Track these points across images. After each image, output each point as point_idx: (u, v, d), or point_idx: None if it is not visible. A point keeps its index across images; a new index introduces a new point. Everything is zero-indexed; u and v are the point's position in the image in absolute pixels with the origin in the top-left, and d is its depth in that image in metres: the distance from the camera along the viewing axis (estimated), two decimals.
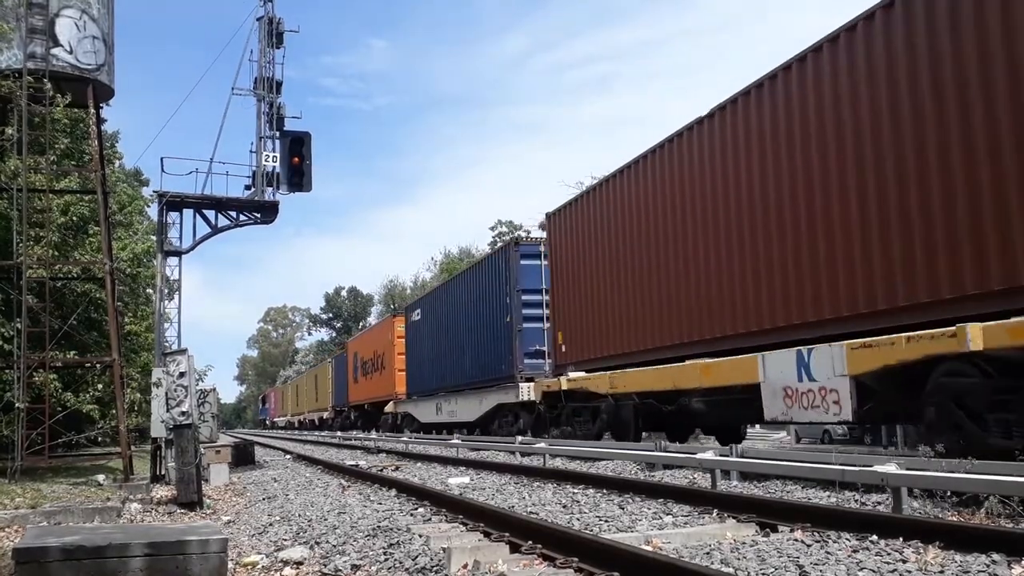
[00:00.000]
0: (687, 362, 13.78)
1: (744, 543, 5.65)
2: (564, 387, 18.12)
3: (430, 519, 7.68)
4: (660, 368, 14.60)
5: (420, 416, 32.77)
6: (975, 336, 8.47)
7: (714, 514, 7.02)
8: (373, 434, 31.94)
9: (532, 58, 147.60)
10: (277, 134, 17.31)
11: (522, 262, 22.58)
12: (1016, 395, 8.28)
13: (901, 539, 5.34)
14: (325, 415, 56.47)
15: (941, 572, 4.57)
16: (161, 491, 12.51)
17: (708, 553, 5.32)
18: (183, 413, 11.09)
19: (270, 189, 17.14)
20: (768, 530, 6.11)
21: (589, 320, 17.92)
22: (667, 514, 7.33)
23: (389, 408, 37.08)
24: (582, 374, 17.76)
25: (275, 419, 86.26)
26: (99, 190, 15.02)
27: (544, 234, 22.19)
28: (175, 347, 15.38)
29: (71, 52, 14.47)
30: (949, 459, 7.89)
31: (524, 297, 22.39)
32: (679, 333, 14.61)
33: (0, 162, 14.83)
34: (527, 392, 21.13)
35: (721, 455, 10.43)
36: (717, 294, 13.64)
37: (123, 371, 15.69)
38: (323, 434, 45.87)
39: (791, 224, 11.84)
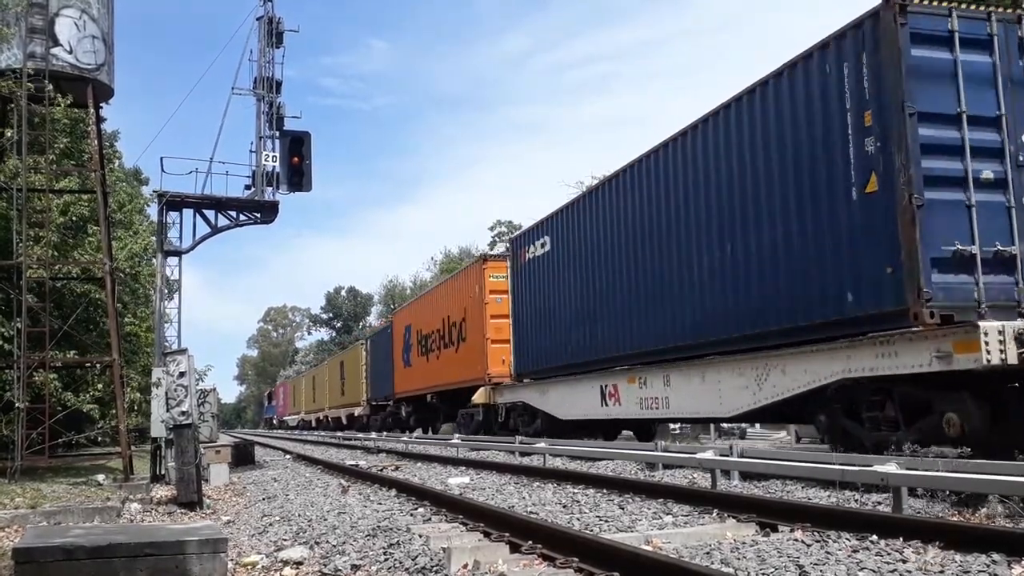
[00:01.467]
0: None
1: (744, 543, 5.65)
2: None
3: (430, 519, 7.68)
4: None
5: (555, 409, 19.65)
6: None
7: (714, 514, 7.02)
8: (373, 434, 31.68)
9: (532, 58, 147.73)
10: (277, 134, 17.33)
11: (915, 52, 10.03)
12: None
13: (901, 539, 5.34)
14: (357, 411, 44.38)
15: (941, 572, 4.57)
16: (161, 491, 12.51)
17: (708, 553, 5.32)
18: (183, 413, 11.09)
19: (270, 189, 17.16)
20: (768, 530, 6.11)
21: None
22: (667, 514, 7.33)
23: (479, 398, 24.16)
24: None
25: (284, 417, 75.85)
26: (99, 190, 15.02)
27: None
28: (175, 347, 15.38)
29: (71, 52, 14.47)
30: (948, 459, 7.89)
31: (926, 132, 9.87)
32: None
33: (0, 162, 14.84)
34: (1004, 345, 9.02)
35: (721, 455, 10.43)
36: None
37: (123, 371, 15.69)
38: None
39: None
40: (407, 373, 33.83)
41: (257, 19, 17.68)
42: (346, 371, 47.66)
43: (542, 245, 20.50)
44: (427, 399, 31.30)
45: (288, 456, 23.46)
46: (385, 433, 33.37)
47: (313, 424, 59.65)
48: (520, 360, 21.87)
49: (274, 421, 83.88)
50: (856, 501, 7.72)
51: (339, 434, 40.16)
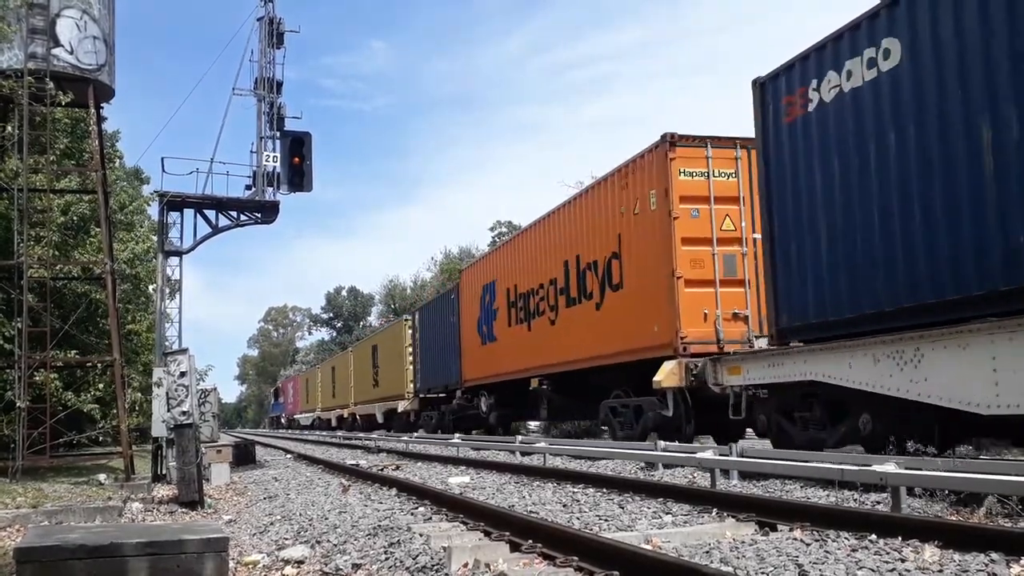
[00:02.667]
0: None
1: (743, 542, 5.66)
2: None
3: (430, 518, 7.70)
4: None
5: (997, 394, 7.94)
6: None
7: (713, 513, 7.03)
8: (374, 434, 31.52)
9: (532, 58, 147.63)
10: (277, 134, 17.34)
11: None
12: None
13: (900, 538, 5.36)
14: (401, 406, 34.25)
15: (940, 571, 4.58)
16: (162, 490, 12.54)
17: (707, 552, 5.34)
18: (184, 413, 11.11)
19: (270, 189, 17.18)
20: (767, 529, 6.12)
21: None
22: (667, 513, 7.34)
23: (669, 379, 14.43)
24: None
25: (296, 416, 67.45)
26: (99, 190, 15.06)
27: None
28: (176, 347, 15.40)
29: (72, 52, 14.51)
30: (947, 458, 7.90)
31: None
32: None
33: (0, 162, 14.88)
34: None
35: (721, 455, 10.45)
36: None
37: (124, 371, 15.72)
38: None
39: None
40: (488, 352, 23.93)
41: (258, 20, 17.71)
42: (381, 357, 37.87)
43: (871, 62, 10.09)
44: (530, 385, 21.15)
45: (289, 456, 23.49)
46: (384, 433, 31.47)
47: (334, 423, 49.94)
48: (796, 303, 11.46)
49: (282, 420, 75.07)
50: (855, 501, 7.74)
51: (340, 434, 39.73)
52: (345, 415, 46.48)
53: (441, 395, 29.70)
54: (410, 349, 33.46)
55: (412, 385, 33.07)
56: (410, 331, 33.72)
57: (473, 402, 26.52)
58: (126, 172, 27.51)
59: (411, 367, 33.16)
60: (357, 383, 43.72)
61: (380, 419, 38.23)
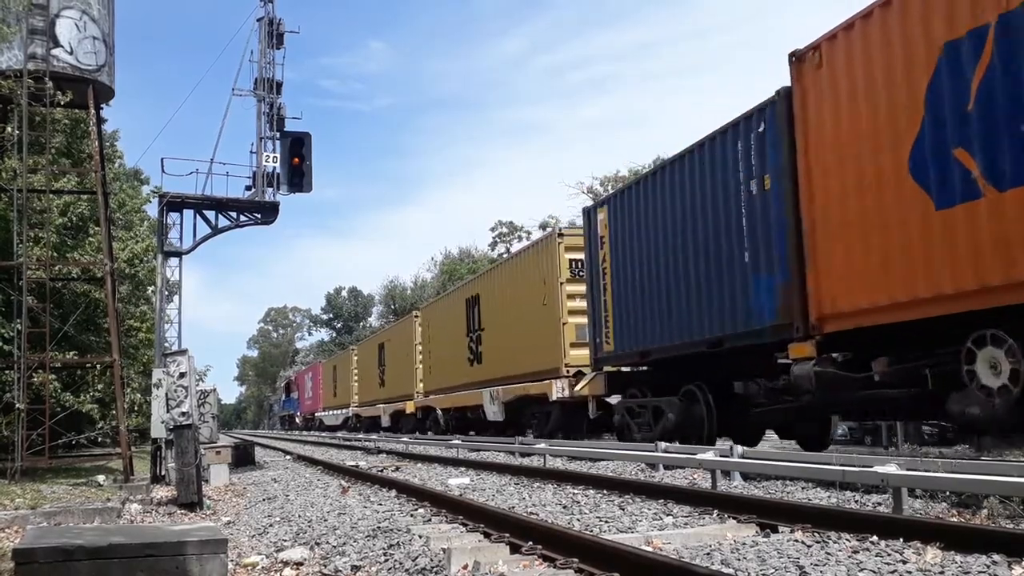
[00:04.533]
0: None
1: (744, 543, 5.64)
2: None
3: (430, 520, 7.68)
4: None
5: None
6: None
7: (714, 515, 7.02)
8: (374, 435, 31.47)
9: (532, 59, 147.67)
10: (277, 135, 17.33)
11: None
12: None
13: (901, 540, 5.34)
14: (556, 390, 18.56)
15: (941, 573, 4.57)
16: (161, 492, 12.52)
17: (708, 554, 5.32)
18: (183, 414, 11.08)
19: (270, 190, 17.17)
20: (768, 530, 6.10)
21: None
22: (667, 515, 7.32)
23: None
24: None
25: (317, 414, 53.67)
26: (99, 190, 15.04)
27: None
28: (175, 347, 15.38)
29: (71, 53, 14.50)
30: (948, 459, 7.89)
31: None
32: None
33: (0, 162, 14.88)
34: None
35: (721, 456, 10.43)
36: None
37: (123, 372, 15.70)
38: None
39: None
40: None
41: (257, 20, 17.70)
42: (485, 312, 23.71)
43: None
44: None
45: (288, 457, 23.47)
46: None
47: (385, 423, 35.75)
48: None
49: (297, 420, 61.46)
50: (856, 502, 7.72)
51: (339, 435, 39.40)
52: (408, 410, 31.84)
53: (657, 362, 14.88)
54: (576, 287, 18.39)
55: (588, 350, 16.99)
56: (572, 256, 18.65)
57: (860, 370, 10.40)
58: (125, 172, 27.48)
59: (583, 318, 17.31)
60: (430, 363, 29.72)
61: (492, 414, 22.86)
